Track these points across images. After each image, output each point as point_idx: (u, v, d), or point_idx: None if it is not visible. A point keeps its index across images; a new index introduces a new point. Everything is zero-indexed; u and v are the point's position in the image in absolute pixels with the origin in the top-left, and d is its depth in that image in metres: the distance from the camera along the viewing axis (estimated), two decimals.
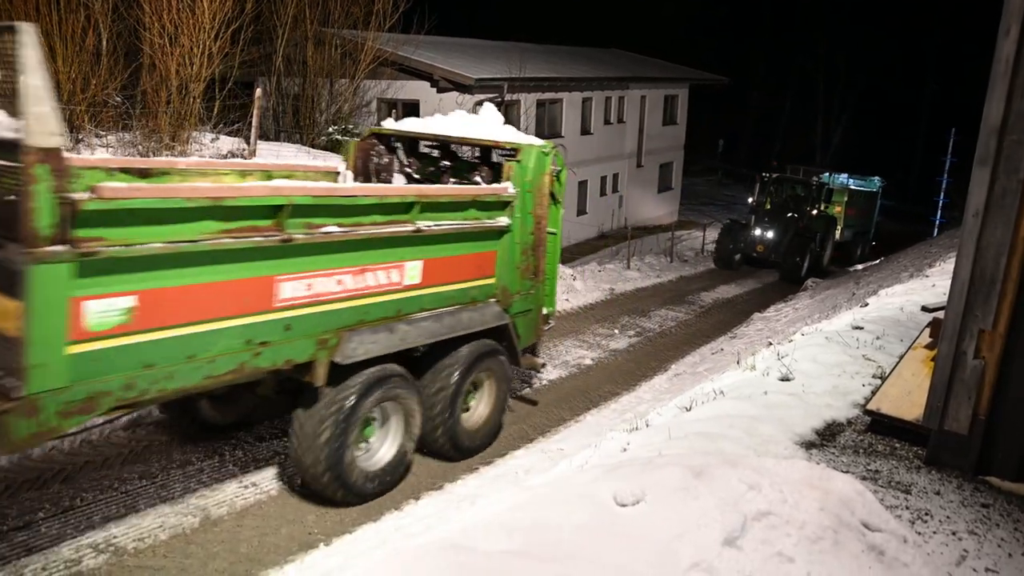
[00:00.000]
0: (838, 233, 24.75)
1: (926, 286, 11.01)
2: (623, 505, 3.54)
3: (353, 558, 5.73)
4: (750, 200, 23.68)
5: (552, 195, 8.34)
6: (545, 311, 8.89)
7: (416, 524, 6.36)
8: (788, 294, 19.20)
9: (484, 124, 8.71)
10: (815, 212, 22.65)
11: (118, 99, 11.72)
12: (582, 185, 23.97)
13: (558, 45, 29.20)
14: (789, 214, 22.38)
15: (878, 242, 28.79)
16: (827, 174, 26.96)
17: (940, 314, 5.99)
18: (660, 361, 12.34)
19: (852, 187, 27.26)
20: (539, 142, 8.27)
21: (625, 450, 6.19)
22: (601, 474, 3.84)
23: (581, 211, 23.97)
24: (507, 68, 19.51)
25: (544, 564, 3.17)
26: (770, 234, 22.00)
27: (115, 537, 6.15)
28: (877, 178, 29.13)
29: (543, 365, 9.75)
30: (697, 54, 38.98)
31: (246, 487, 7.08)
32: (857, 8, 44.49)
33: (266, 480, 7.25)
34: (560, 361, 11.67)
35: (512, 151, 8.13)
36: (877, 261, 24.56)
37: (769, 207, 23.17)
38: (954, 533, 4.44)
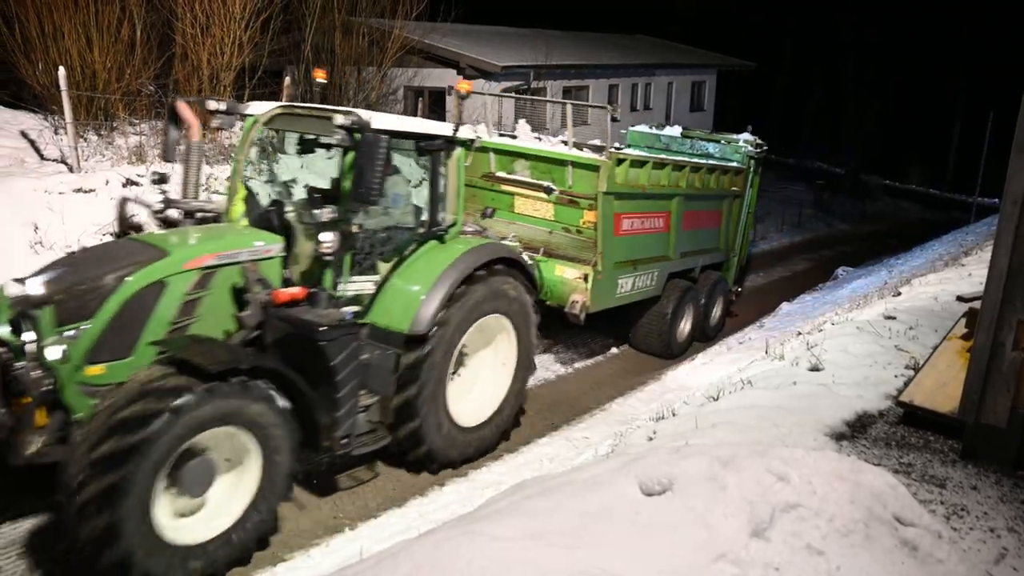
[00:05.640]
0: (629, 283, 10.21)
1: (962, 275, 10.81)
2: (649, 494, 3.50)
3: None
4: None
5: None
6: None
7: (440, 511, 6.36)
8: None
9: None
10: (384, 240, 6.69)
11: (151, 88, 12.09)
12: None
13: (583, 32, 29.00)
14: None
15: (744, 288, 14.61)
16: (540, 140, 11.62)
17: (976, 304, 5.84)
18: (687, 351, 12.23)
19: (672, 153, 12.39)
20: None
21: (651, 439, 6.14)
22: (627, 462, 3.79)
23: None
24: (533, 55, 19.43)
25: (568, 551, 3.13)
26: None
27: None
28: (745, 135, 12.79)
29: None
30: (724, 39, 38.49)
31: None
32: None
33: None
34: (586, 349, 11.61)
35: None
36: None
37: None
38: (992, 530, 4.33)
